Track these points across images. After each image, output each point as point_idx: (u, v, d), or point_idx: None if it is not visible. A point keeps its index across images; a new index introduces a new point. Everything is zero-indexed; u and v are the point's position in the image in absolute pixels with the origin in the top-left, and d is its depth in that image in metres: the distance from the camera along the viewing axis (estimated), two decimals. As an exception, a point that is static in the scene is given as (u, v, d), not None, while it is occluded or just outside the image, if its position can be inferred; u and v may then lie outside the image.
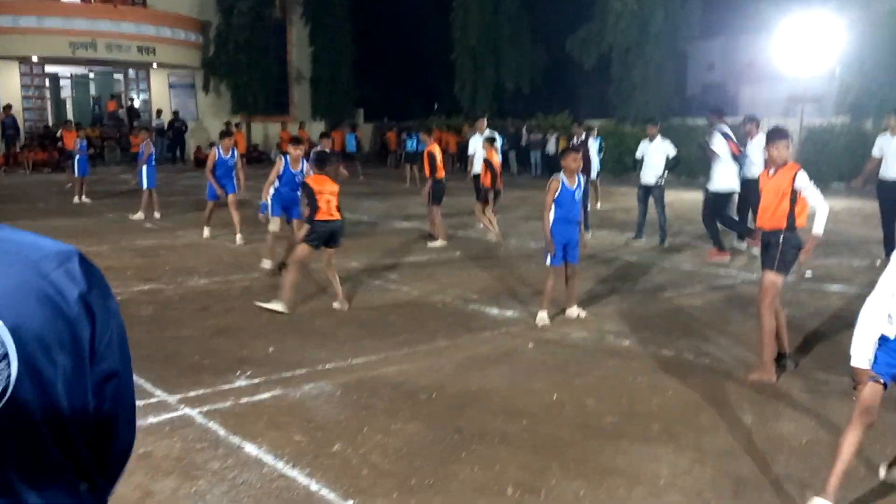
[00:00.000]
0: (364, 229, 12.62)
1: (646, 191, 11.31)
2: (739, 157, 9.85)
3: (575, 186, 6.70)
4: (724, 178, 9.92)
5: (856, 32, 18.61)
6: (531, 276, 8.70)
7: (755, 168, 9.14)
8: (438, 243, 10.90)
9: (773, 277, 5.26)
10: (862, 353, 3.30)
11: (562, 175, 6.70)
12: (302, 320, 6.80)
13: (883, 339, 3.28)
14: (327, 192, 7.03)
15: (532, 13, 27.90)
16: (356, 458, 3.95)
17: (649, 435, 4.30)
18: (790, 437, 4.26)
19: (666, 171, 11.21)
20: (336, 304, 7.18)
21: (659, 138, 11.25)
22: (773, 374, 5.18)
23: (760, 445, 4.17)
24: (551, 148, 23.52)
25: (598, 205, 15.90)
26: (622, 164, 21.65)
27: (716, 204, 9.99)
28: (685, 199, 16.22)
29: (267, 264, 8.84)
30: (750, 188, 9.22)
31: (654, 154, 11.18)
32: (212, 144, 28.55)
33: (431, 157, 11.38)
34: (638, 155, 11.60)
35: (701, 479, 3.77)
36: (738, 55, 32.52)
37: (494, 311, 7.16)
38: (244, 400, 4.77)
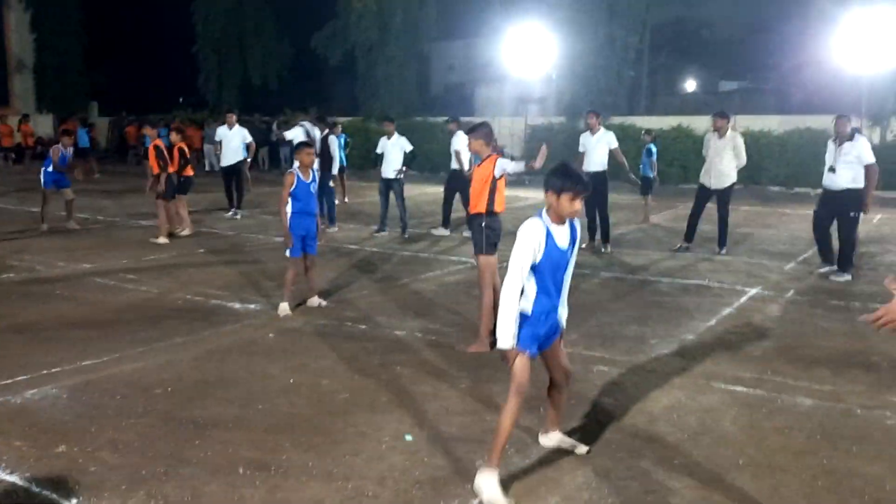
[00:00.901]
0: (99, 229, 11.94)
1: (386, 184, 11.90)
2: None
3: (310, 180, 6.99)
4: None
5: (566, 40, 20.78)
6: (275, 269, 8.84)
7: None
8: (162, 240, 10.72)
9: (483, 258, 5.94)
10: (507, 334, 3.55)
11: (296, 169, 6.95)
12: (26, 326, 6.40)
13: (523, 317, 3.62)
14: None
15: (277, 7, 27.71)
16: (83, 457, 3.91)
17: (376, 406, 4.69)
18: (498, 396, 4.86)
19: (404, 167, 11.87)
20: None
21: (396, 135, 11.91)
22: (488, 346, 5.83)
23: (472, 406, 4.73)
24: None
25: (346, 199, 16.36)
26: (369, 161, 22.30)
27: None
28: (427, 192, 17.14)
29: None
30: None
31: (393, 150, 11.82)
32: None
33: (181, 152, 11.49)
34: (378, 150, 12.16)
35: (420, 439, 4.22)
36: (475, 58, 34.81)
37: (237, 305, 7.23)
38: (-45, 411, 4.47)
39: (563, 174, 3.58)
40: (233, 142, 13.49)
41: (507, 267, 3.62)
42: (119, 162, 27.37)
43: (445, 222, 12.08)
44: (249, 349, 5.84)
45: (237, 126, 13.62)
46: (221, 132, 13.72)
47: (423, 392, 4.96)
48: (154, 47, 33.64)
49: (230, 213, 13.52)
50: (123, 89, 33.69)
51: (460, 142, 11.89)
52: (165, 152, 11.03)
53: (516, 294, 3.56)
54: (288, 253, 6.92)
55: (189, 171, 11.81)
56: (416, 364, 5.53)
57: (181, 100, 32.49)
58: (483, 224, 6.00)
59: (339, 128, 17.21)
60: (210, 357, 5.63)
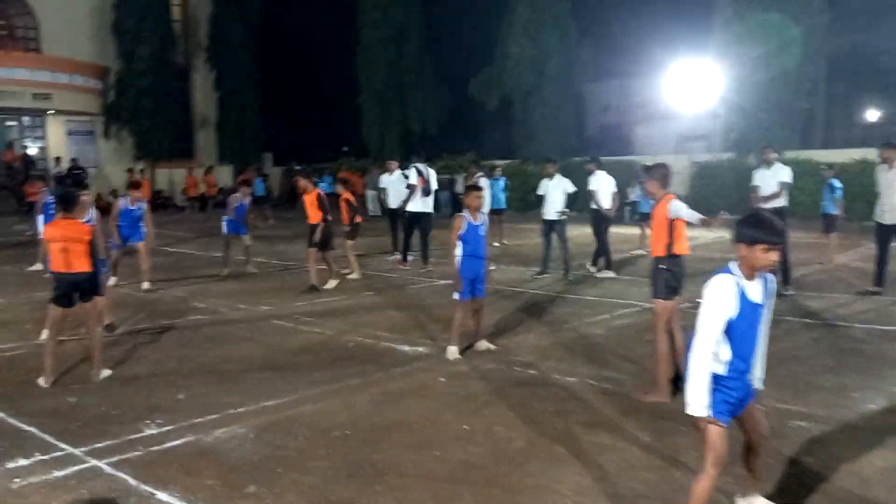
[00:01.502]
0: (276, 273, 12.58)
1: (548, 226, 11.79)
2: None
3: (479, 223, 6.98)
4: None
5: (734, 75, 19.95)
6: (441, 311, 8.90)
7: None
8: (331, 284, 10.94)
9: (660, 303, 5.64)
10: (699, 400, 3.28)
11: (465, 212, 6.98)
12: (212, 365, 6.76)
13: (715, 380, 3.29)
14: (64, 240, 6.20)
15: (435, 56, 28.60)
16: (271, 498, 4.00)
17: (554, 457, 4.51)
18: (684, 452, 4.54)
19: (567, 208, 11.74)
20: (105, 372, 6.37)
21: (558, 176, 11.82)
22: (668, 396, 5.50)
23: (656, 461, 4.44)
24: (459, 187, 24.02)
25: (505, 241, 16.39)
26: (527, 202, 22.31)
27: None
28: (588, 233, 16.77)
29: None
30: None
31: (554, 191, 11.74)
32: (114, 192, 27.96)
33: (348, 203, 12.13)
34: (540, 192, 12.09)
35: (603, 494, 3.99)
36: (632, 96, 34.26)
37: (406, 347, 7.30)
38: (154, 448, 4.73)
39: (756, 224, 3.30)
40: (398, 187, 13.78)
41: (689, 313, 3.36)
42: (290, 208, 29.00)
43: (608, 264, 11.84)
44: (421, 393, 5.84)
45: (398, 171, 13.93)
46: (385, 179, 14.07)
47: (602, 444, 4.72)
48: (321, 101, 35.66)
49: (395, 256, 13.77)
50: (293, 140, 35.88)
51: (597, 181, 11.98)
52: (325, 202, 11.06)
53: (708, 356, 3.29)
54: (457, 296, 6.92)
55: (358, 219, 12.25)
56: (592, 413, 5.29)
57: (344, 149, 34.15)
58: (662, 267, 5.71)
59: (499, 171, 17.39)
60: (384, 400, 5.67)
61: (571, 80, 23.87)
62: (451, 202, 24.63)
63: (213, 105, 32.33)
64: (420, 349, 7.21)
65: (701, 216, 5.68)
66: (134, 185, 11.26)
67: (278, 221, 23.12)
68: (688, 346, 3.43)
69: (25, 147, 28.47)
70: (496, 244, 16.09)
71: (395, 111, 28.51)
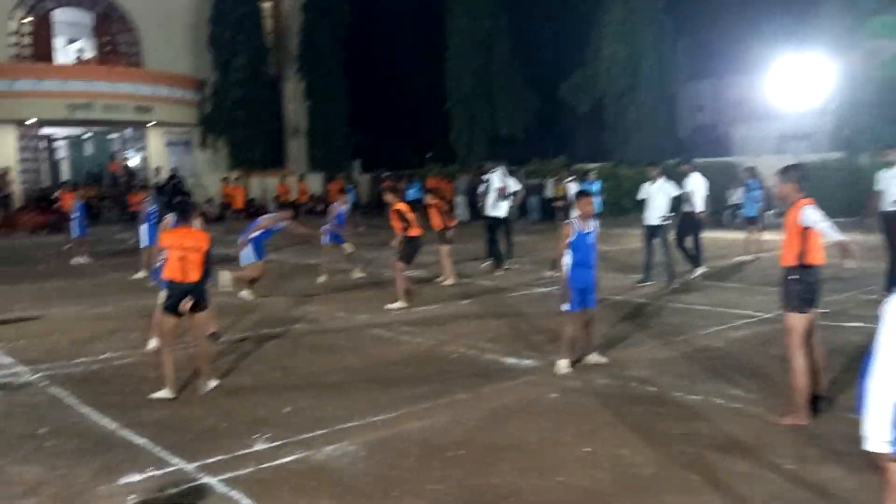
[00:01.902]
0: (370, 281, 12.50)
1: (650, 231, 11.29)
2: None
3: (589, 230, 6.64)
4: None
5: (848, 70, 18.83)
6: (542, 321, 8.59)
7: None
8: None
9: (794, 316, 5.17)
10: (879, 436, 2.84)
11: (575, 219, 6.65)
12: (315, 377, 6.65)
13: None
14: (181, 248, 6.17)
15: (522, 60, 28.25)
16: (389, 523, 3.79)
17: (691, 486, 4.13)
18: (835, 484, 4.10)
19: (671, 212, 11.25)
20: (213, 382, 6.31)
21: (661, 180, 11.31)
22: (807, 418, 5.03)
23: (804, 494, 4.01)
24: (548, 192, 23.61)
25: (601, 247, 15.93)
26: (620, 207, 21.70)
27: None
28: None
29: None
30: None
31: (657, 195, 11.23)
32: (209, 201, 28.79)
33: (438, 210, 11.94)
34: (640, 196, 11.61)
35: (751, 532, 3.61)
36: (726, 96, 32.99)
37: (511, 360, 7.01)
38: (265, 465, 4.60)
39: None
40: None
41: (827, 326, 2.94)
42: (378, 216, 29.15)
43: (696, 260, 11.74)
44: (534, 410, 5.54)
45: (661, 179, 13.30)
46: (499, 183, 13.48)
47: (740, 471, 4.31)
48: (408, 107, 35.84)
49: (486, 263, 13.46)
50: (381, 147, 36.16)
51: (693, 183, 11.57)
52: (407, 215, 10.33)
53: (891, 385, 2.86)
54: (566, 307, 6.58)
55: (450, 223, 12.07)
56: (723, 436, 4.88)
57: (428, 155, 34.22)
58: (793, 278, 5.23)
59: (593, 174, 16.93)
60: (496, 417, 5.40)
61: (666, 81, 23.11)
62: (541, 207, 24.23)
63: (303, 114, 32.93)
64: (526, 362, 6.91)
65: (840, 236, 5.14)
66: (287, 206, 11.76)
67: (367, 229, 23.22)
68: (864, 371, 3.01)
69: (127, 158, 29.64)
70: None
71: (483, 116, 28.28)
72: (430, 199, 12.26)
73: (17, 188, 26.11)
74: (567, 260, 6.55)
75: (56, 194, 24.26)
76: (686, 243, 11.78)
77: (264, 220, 10.97)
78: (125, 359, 7.42)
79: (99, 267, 15.26)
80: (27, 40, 27.28)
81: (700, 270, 11.63)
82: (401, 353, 7.47)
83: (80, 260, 16.02)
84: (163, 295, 6.27)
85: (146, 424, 5.42)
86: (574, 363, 6.61)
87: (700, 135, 35.31)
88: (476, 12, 27.58)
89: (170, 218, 7.80)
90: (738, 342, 7.44)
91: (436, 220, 11.99)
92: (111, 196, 28.11)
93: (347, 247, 12.63)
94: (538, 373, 6.55)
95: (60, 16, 28.60)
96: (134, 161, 29.62)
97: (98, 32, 29.49)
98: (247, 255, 10.46)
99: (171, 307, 6.14)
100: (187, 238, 6.19)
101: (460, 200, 25.69)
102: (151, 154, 29.47)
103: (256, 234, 10.52)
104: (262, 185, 31.33)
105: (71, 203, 17.25)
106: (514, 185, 13.42)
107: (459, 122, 28.77)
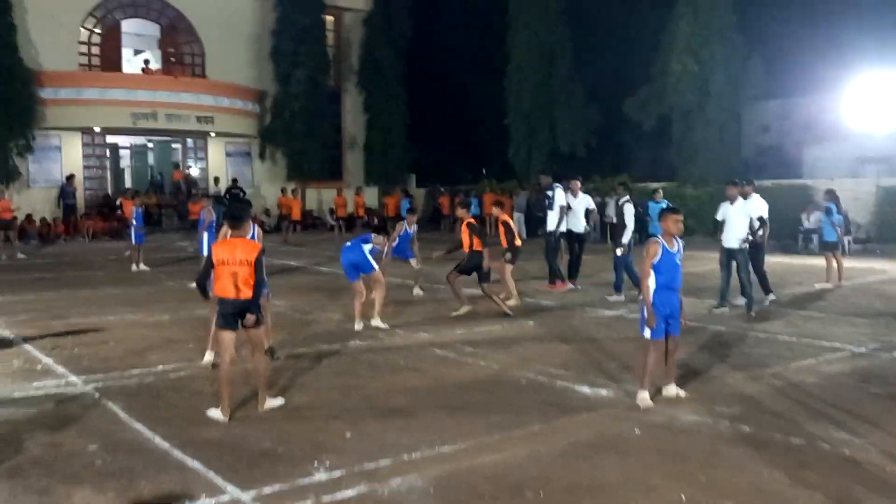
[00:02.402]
0: (425, 297, 12.10)
1: (728, 255, 10.66)
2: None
3: (676, 250, 6.14)
4: None
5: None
6: (614, 347, 8.11)
7: None
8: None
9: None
10: None
11: (661, 237, 6.16)
12: (377, 398, 6.26)
13: None
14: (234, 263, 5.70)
15: (584, 76, 27.69)
16: (466, 577, 3.35)
17: (812, 549, 3.61)
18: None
19: (750, 235, 10.59)
20: (274, 401, 5.97)
21: (741, 200, 10.71)
22: (934, 469, 4.44)
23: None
24: (610, 210, 22.95)
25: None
26: (686, 227, 20.92)
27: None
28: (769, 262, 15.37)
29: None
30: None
31: (737, 216, 10.60)
32: (266, 211, 28.90)
33: (506, 225, 11.40)
34: (719, 217, 10.98)
35: None
36: (795, 117, 31.88)
37: (585, 388, 6.51)
38: (327, 498, 4.21)
39: None
40: (579, 209, 12.78)
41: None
42: (433, 230, 28.85)
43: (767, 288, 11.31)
44: (617, 447, 5.05)
45: (581, 194, 12.97)
46: (562, 199, 12.90)
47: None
48: (465, 122, 35.57)
49: (569, 286, 12.87)
50: (436, 162, 35.92)
51: (754, 205, 10.95)
52: (478, 230, 10.32)
53: None
54: (647, 333, 6.07)
55: (517, 242, 11.62)
56: (841, 486, 4.31)
57: (484, 171, 33.92)
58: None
59: (660, 193, 16.34)
60: (575, 453, 4.92)
61: (736, 98, 22.28)
62: (601, 226, 23.59)
63: (361, 127, 32.85)
64: (602, 392, 6.41)
65: None
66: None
67: (422, 243, 22.85)
68: None
69: (189, 167, 29.95)
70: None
71: (543, 132, 27.74)
72: (497, 212, 11.86)
73: (80, 194, 26.53)
74: (652, 283, 6.05)
75: (119, 201, 24.59)
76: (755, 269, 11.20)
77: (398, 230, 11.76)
78: (180, 372, 7.15)
79: (158, 275, 15.22)
80: (96, 50, 27.81)
81: (772, 297, 11.14)
82: (467, 375, 7.04)
83: (140, 267, 16.02)
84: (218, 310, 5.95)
85: (200, 445, 5.10)
86: (652, 395, 6.08)
87: (764, 155, 34.23)
88: (538, 26, 27.17)
89: (226, 227, 7.56)
90: (834, 378, 6.81)
91: (503, 238, 11.57)
92: (171, 205, 28.39)
93: (414, 263, 12.31)
94: (616, 405, 6.05)
95: (128, 27, 29.07)
96: (194, 171, 29.91)
97: (164, 43, 29.92)
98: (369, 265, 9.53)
99: (226, 323, 5.82)
100: (238, 250, 5.81)
101: (518, 217, 25.21)
102: (211, 164, 29.71)
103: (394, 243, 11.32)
104: (318, 196, 31.34)
105: (131, 210, 17.35)
106: (589, 204, 12.94)
107: (518, 137, 28.31)
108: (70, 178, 25.76)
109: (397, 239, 11.95)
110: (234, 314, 5.76)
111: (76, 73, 26.58)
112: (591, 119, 27.84)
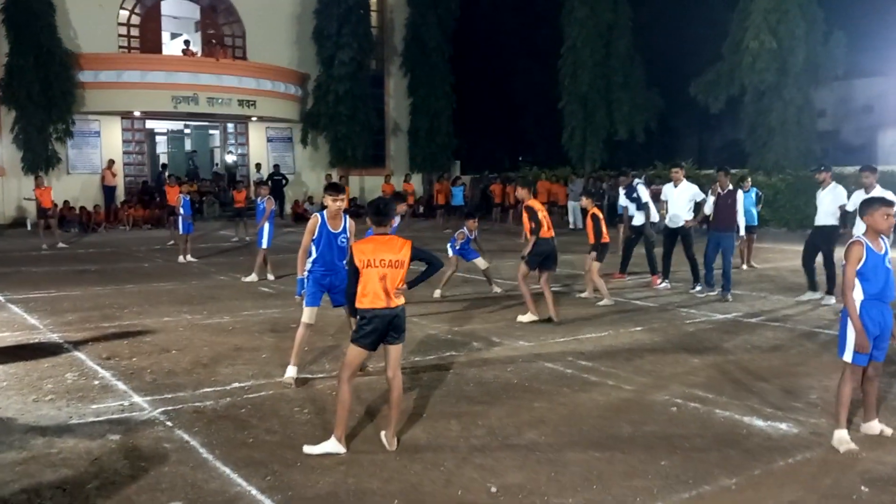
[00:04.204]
0: (501, 295, 10.92)
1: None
2: None
3: (884, 251, 4.91)
4: None
5: None
6: (752, 362, 6.99)
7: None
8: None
9: None
10: None
11: (863, 237, 4.92)
12: (506, 432, 5.12)
13: None
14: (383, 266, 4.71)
15: (647, 57, 26.25)
16: None
17: None
18: None
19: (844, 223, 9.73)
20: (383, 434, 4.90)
21: (832, 185, 10.17)
22: None
23: None
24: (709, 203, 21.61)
25: (753, 264, 14.14)
26: (760, 218, 19.54)
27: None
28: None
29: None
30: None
31: (829, 203, 9.96)
32: (309, 198, 27.91)
33: (595, 218, 10.44)
34: (850, 208, 9.81)
35: None
36: (852, 101, 30.01)
37: (758, 422, 5.32)
38: None
39: None
40: (679, 200, 11.37)
41: None
42: (482, 219, 27.64)
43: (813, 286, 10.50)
44: (853, 515, 3.87)
45: (685, 182, 11.48)
46: (667, 189, 11.62)
47: None
48: (512, 107, 34.21)
49: (662, 283, 11.68)
50: (482, 148, 34.60)
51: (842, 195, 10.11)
52: (539, 213, 8.96)
53: None
54: (848, 357, 4.86)
55: (605, 238, 10.44)
56: None
57: (520, 158, 32.73)
58: None
59: (749, 182, 15.04)
60: (805, 526, 3.75)
61: (817, 78, 20.77)
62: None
63: (405, 111, 31.67)
64: (782, 427, 5.21)
65: None
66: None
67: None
68: None
69: (230, 153, 29.06)
70: (744, 267, 13.77)
71: (600, 116, 26.36)
72: (586, 203, 10.69)
73: (120, 181, 25.78)
74: (858, 294, 4.83)
75: (163, 186, 23.77)
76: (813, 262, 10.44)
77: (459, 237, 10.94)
78: (261, 391, 6.07)
79: (206, 267, 14.26)
80: (135, 32, 26.96)
81: (829, 298, 10.06)
82: (599, 400, 5.88)
83: (187, 258, 15.10)
84: (358, 324, 4.78)
85: (307, 501, 4.01)
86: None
87: (824, 141, 32.51)
88: (595, 3, 25.74)
89: (317, 215, 6.46)
90: None
91: (590, 232, 10.43)
92: (211, 192, 27.55)
93: (481, 262, 11.09)
94: (808, 445, 4.86)
95: (167, 8, 28.17)
96: (233, 157, 29.01)
97: (203, 25, 28.98)
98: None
99: (371, 345, 4.73)
100: (389, 248, 4.73)
101: (573, 206, 23.94)
102: (252, 150, 28.79)
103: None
104: (361, 183, 30.30)
105: (176, 198, 16.42)
106: (697, 194, 11.65)
107: (573, 121, 26.97)
108: (110, 163, 25.05)
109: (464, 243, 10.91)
110: (385, 330, 4.70)
111: (116, 55, 25.78)
112: (651, 103, 26.41)
